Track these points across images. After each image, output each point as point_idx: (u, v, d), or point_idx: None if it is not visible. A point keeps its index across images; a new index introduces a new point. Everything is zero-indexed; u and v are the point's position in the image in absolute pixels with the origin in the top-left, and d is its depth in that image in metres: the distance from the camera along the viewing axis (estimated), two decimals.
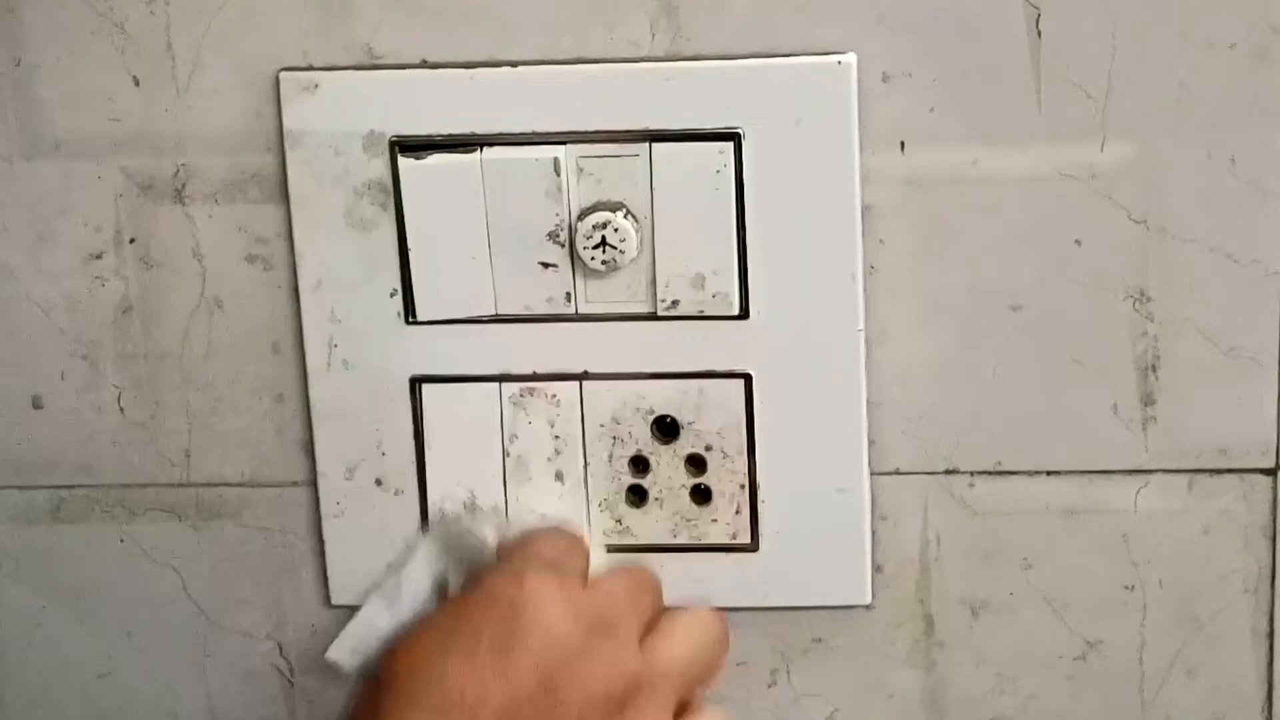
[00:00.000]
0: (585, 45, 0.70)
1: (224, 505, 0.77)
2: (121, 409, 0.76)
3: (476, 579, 0.69)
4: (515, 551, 0.70)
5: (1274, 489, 0.72)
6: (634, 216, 0.70)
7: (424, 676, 0.65)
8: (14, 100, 0.73)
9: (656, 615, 0.70)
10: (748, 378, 0.72)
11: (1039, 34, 0.68)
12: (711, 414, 0.73)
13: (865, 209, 0.70)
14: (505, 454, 0.74)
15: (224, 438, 0.76)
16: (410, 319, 0.73)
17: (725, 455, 0.73)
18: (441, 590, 0.72)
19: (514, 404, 0.74)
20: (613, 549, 0.75)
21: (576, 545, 0.72)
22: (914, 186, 0.70)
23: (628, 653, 0.67)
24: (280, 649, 0.79)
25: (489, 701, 0.64)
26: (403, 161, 0.71)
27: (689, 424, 0.73)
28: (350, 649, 0.72)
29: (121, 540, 0.78)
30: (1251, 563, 0.73)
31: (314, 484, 0.76)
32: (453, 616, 0.67)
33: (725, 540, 0.74)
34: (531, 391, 0.73)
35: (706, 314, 0.71)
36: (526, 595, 0.66)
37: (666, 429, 0.73)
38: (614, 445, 0.74)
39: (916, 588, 0.75)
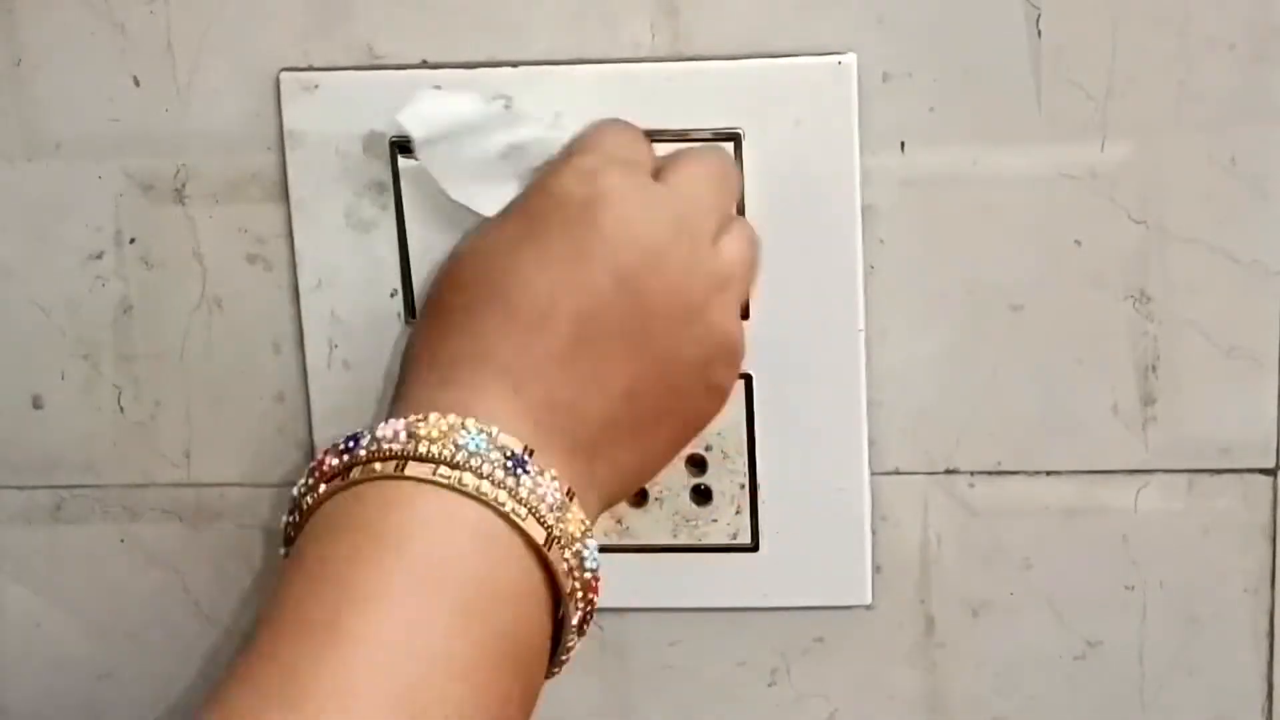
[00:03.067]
0: (585, 45, 0.70)
1: (224, 505, 0.77)
2: (121, 409, 0.76)
3: (542, 178, 0.65)
4: (580, 146, 0.66)
5: (1274, 489, 0.72)
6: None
7: (494, 278, 0.62)
8: (14, 100, 0.73)
9: (733, 204, 0.67)
10: (748, 378, 0.72)
11: (1039, 34, 0.68)
12: None
13: (865, 209, 0.70)
14: None
15: (224, 438, 0.76)
16: (410, 319, 0.73)
17: (725, 455, 0.73)
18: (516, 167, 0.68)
19: None
20: (613, 549, 0.75)
21: (642, 137, 0.68)
22: (914, 186, 0.70)
23: (705, 252, 0.64)
24: None
25: (564, 305, 0.62)
26: (403, 161, 0.71)
27: None
28: (424, 118, 0.68)
29: (121, 540, 0.78)
30: (1251, 563, 0.73)
31: None
32: (523, 217, 0.64)
33: (725, 540, 0.74)
34: None
35: None
36: (600, 194, 0.63)
37: None
38: None
39: (916, 588, 0.75)
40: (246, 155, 0.72)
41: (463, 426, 0.60)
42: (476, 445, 0.59)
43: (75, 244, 0.74)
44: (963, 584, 0.75)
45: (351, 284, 0.73)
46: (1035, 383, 0.72)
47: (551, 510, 0.60)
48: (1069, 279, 0.71)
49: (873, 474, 0.73)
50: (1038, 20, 0.68)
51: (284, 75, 0.71)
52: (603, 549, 0.75)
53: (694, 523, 0.74)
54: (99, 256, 0.74)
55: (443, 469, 0.59)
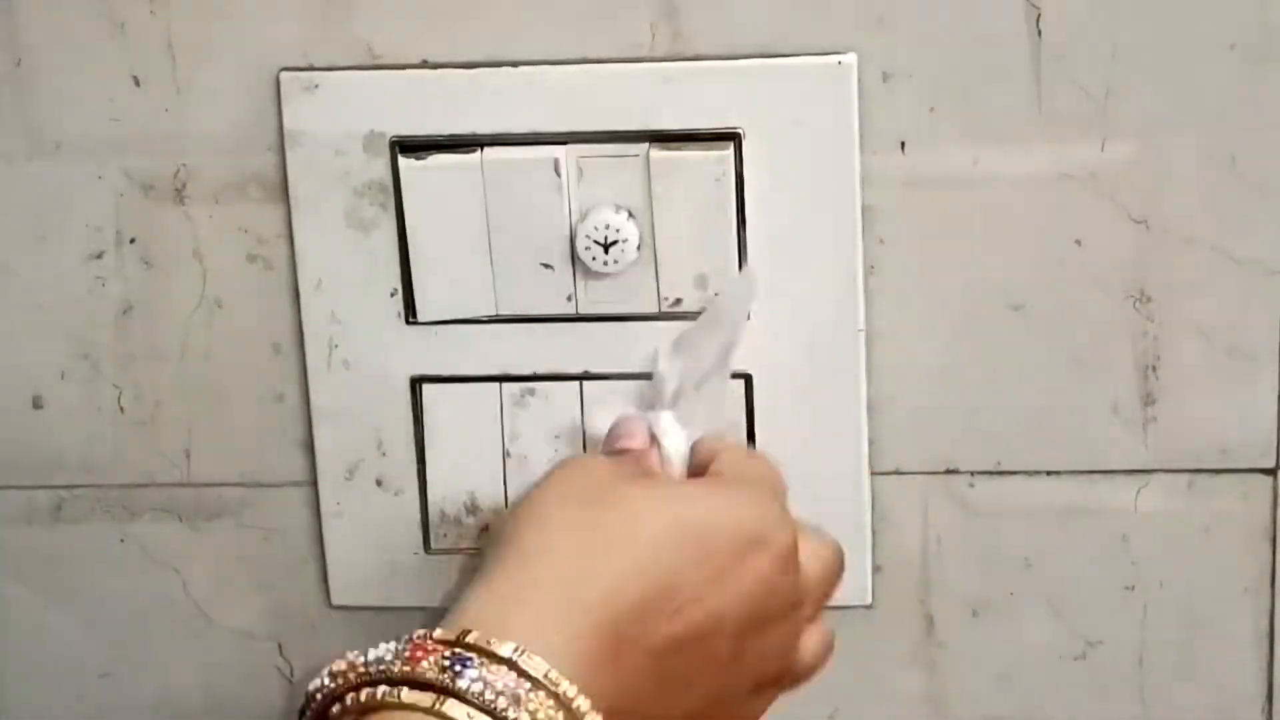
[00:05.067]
0: (585, 45, 0.70)
1: (224, 505, 0.77)
2: (121, 409, 0.76)
3: (751, 509, 0.63)
4: (766, 485, 0.65)
5: (1274, 489, 0.72)
6: (634, 217, 0.70)
7: (646, 565, 0.60)
8: (14, 100, 0.73)
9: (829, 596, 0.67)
10: (748, 378, 0.72)
11: (1039, 34, 0.68)
12: None
13: (865, 209, 0.70)
14: (505, 454, 0.74)
15: (224, 438, 0.76)
16: (410, 319, 0.73)
17: None
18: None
19: (514, 404, 0.74)
20: None
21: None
22: (914, 186, 0.70)
23: (799, 628, 0.65)
24: (280, 649, 0.79)
25: (665, 626, 0.59)
26: (403, 162, 0.71)
27: None
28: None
29: (122, 540, 0.78)
30: (1251, 563, 0.73)
31: (314, 484, 0.76)
32: (698, 532, 0.61)
33: None
34: (532, 391, 0.73)
35: None
36: (795, 572, 0.63)
37: None
38: None
39: (916, 588, 0.75)
40: (246, 155, 0.72)
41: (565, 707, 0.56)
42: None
43: (75, 244, 0.74)
44: (963, 584, 0.75)
45: (351, 284, 0.73)
46: (1035, 383, 0.72)
47: None
48: (1069, 279, 0.71)
49: (873, 474, 0.73)
50: (1038, 20, 0.68)
51: (284, 75, 0.71)
52: None
53: None
54: (99, 256, 0.74)
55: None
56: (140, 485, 0.77)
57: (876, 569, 0.75)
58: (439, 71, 0.71)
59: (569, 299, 0.72)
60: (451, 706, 0.55)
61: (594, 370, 0.73)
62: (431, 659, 0.56)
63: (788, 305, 0.71)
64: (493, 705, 0.55)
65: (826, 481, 0.73)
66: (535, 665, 0.56)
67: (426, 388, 0.74)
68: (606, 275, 0.71)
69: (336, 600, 0.77)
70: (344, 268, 0.73)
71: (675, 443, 0.67)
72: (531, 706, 0.55)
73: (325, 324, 0.74)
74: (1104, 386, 0.72)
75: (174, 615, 0.79)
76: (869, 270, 0.71)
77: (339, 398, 0.74)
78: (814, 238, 0.71)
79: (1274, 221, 0.69)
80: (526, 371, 0.73)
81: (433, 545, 0.76)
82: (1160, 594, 0.74)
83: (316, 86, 0.71)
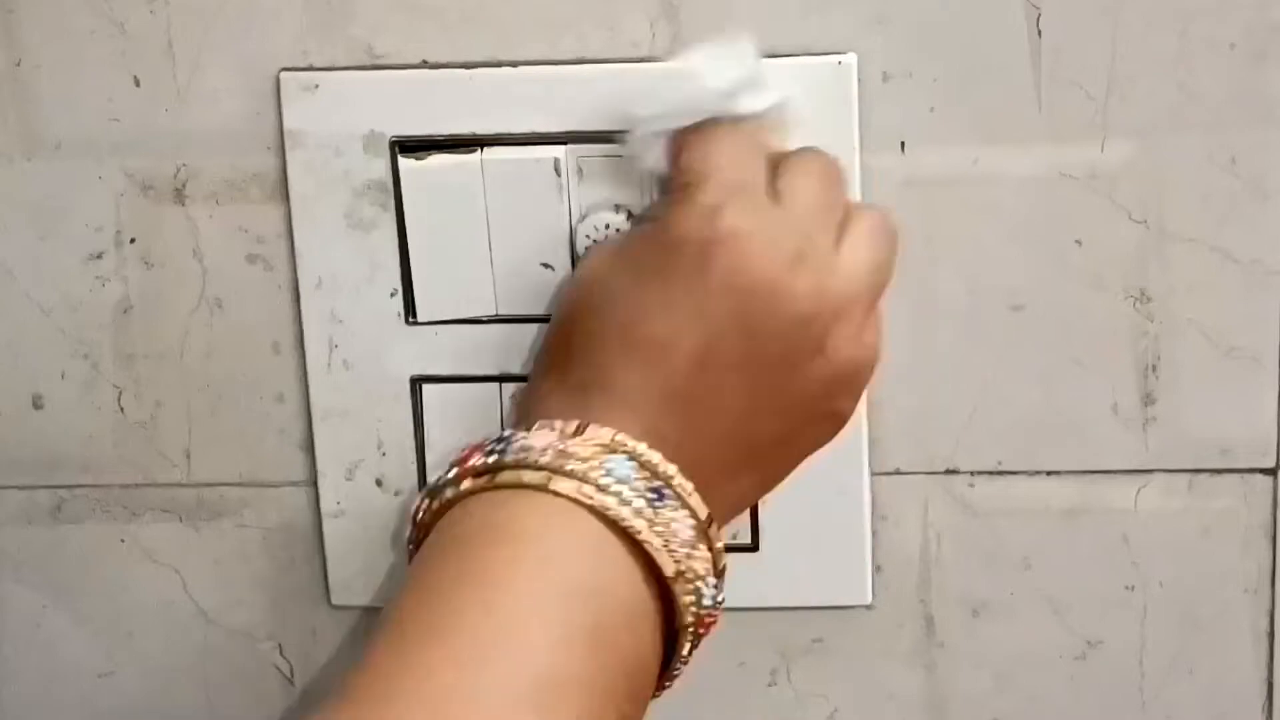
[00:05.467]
0: (585, 45, 0.70)
1: (224, 505, 0.77)
2: (121, 409, 0.76)
3: (665, 214, 0.65)
4: (695, 174, 0.65)
5: (1274, 489, 0.72)
6: (634, 217, 0.70)
7: (617, 311, 0.63)
8: (14, 100, 0.73)
9: (842, 208, 0.66)
10: None
11: (1039, 34, 0.68)
12: None
13: None
14: None
15: (224, 438, 0.76)
16: (410, 319, 0.73)
17: None
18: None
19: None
20: None
21: (756, 147, 0.66)
22: (914, 186, 0.70)
23: (825, 278, 0.64)
24: (280, 649, 0.79)
25: (681, 344, 0.62)
26: (403, 161, 0.71)
27: None
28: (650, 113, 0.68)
29: (122, 540, 0.78)
30: (1251, 563, 0.73)
31: (314, 484, 0.76)
32: (647, 251, 0.64)
33: (725, 540, 0.74)
34: None
35: None
36: (719, 238, 0.62)
37: None
38: None
39: (916, 588, 0.75)
40: (246, 155, 0.72)
41: (612, 451, 0.61)
42: (624, 473, 0.60)
43: (75, 244, 0.74)
44: (963, 584, 0.75)
45: (351, 284, 0.73)
46: (1035, 383, 0.72)
47: (682, 546, 0.61)
48: (1069, 279, 0.71)
49: (873, 474, 0.73)
50: (1038, 20, 0.68)
51: (284, 75, 0.71)
52: None
53: None
54: (99, 256, 0.74)
55: (587, 488, 0.60)
56: (140, 485, 0.77)
57: (876, 569, 0.75)
58: (439, 71, 0.70)
59: None
60: (559, 483, 0.60)
61: None
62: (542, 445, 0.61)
63: None
64: (596, 481, 0.60)
65: (826, 481, 0.73)
66: (637, 449, 0.61)
67: (426, 388, 0.74)
68: None
69: (336, 600, 0.77)
70: (344, 268, 0.73)
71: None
72: (636, 483, 0.60)
73: (325, 324, 0.74)
74: (1104, 386, 0.72)
75: (174, 615, 0.79)
76: None
77: (339, 398, 0.74)
78: None
79: (1274, 221, 0.69)
80: (526, 371, 0.73)
81: None
82: (1160, 594, 0.74)
83: (316, 86, 0.71)
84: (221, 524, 0.77)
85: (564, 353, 0.66)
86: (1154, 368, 0.71)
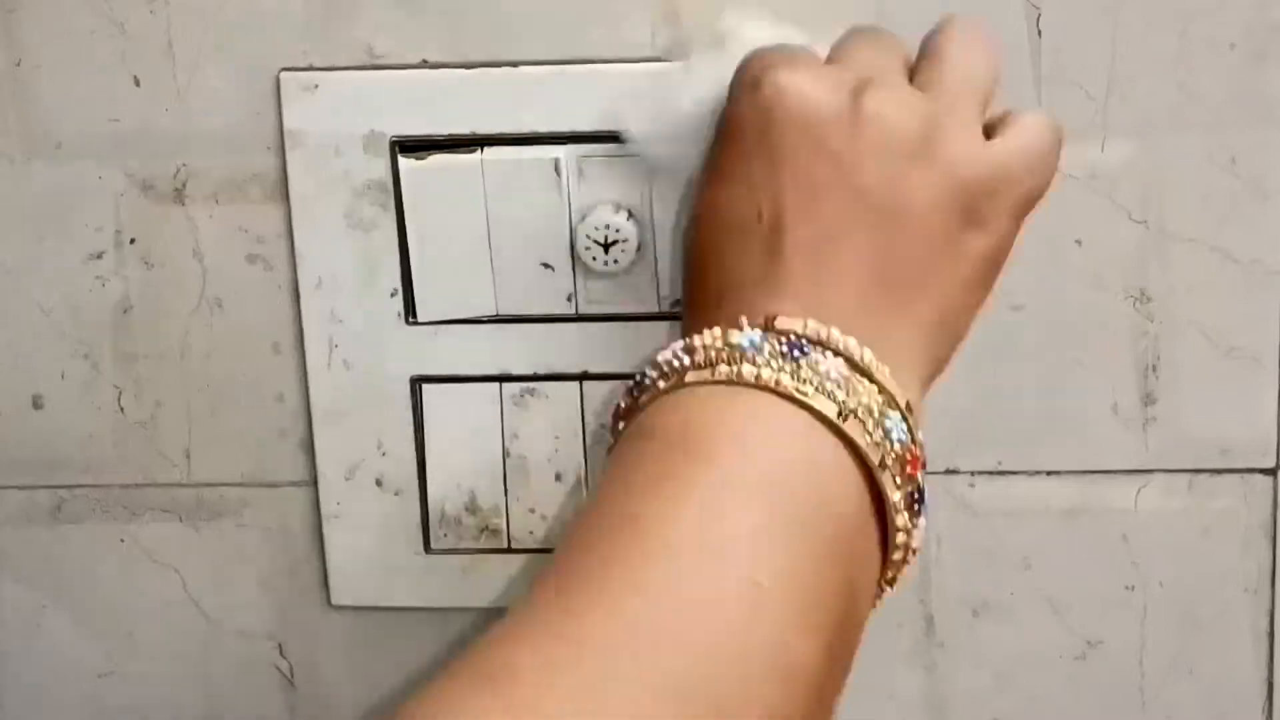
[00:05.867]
0: (585, 45, 0.70)
1: (224, 505, 0.77)
2: (121, 409, 0.76)
3: (726, 107, 0.63)
4: (740, 76, 0.63)
5: (1274, 489, 0.72)
6: (634, 217, 0.70)
7: (720, 213, 0.62)
8: (14, 100, 0.73)
9: (909, 51, 0.64)
10: None
11: (1039, 34, 0.68)
12: None
13: None
14: (505, 454, 0.74)
15: (224, 438, 0.76)
16: (410, 319, 0.73)
17: None
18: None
19: (514, 404, 0.74)
20: None
21: (799, 48, 0.64)
22: None
23: (903, 92, 0.61)
24: (280, 649, 0.79)
25: (783, 216, 0.60)
26: (403, 161, 0.71)
27: None
28: (641, 115, 0.68)
29: (122, 540, 0.78)
30: (1251, 563, 0.73)
31: (314, 484, 0.76)
32: (721, 147, 0.62)
33: None
34: (531, 391, 0.73)
35: None
36: (769, 97, 0.60)
37: None
38: None
39: (916, 588, 0.75)
40: (246, 155, 0.73)
41: (735, 328, 0.59)
42: (751, 340, 0.58)
43: (75, 244, 0.74)
44: (963, 584, 0.75)
45: (351, 284, 0.73)
46: (1035, 383, 0.72)
47: (839, 386, 0.57)
48: (1069, 279, 0.71)
49: None
50: (1038, 20, 0.68)
51: (284, 75, 0.71)
52: None
53: None
54: (99, 256, 0.74)
55: (721, 367, 0.58)
56: (140, 485, 0.77)
57: None
58: (439, 71, 0.71)
59: (569, 299, 0.72)
60: (690, 376, 0.58)
61: (594, 370, 0.73)
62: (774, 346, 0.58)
63: None
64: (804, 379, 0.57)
65: None
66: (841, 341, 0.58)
67: (426, 388, 0.74)
68: (606, 275, 0.71)
69: (336, 600, 0.77)
70: (344, 268, 0.73)
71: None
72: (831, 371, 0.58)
73: (325, 324, 0.74)
74: (1104, 386, 0.72)
75: (174, 615, 0.79)
76: None
77: (339, 398, 0.74)
78: None
79: (1274, 221, 0.69)
80: (526, 371, 0.73)
81: (433, 545, 0.76)
82: (1160, 594, 0.74)
83: (316, 86, 0.71)
84: (221, 524, 0.77)
85: (691, 274, 0.63)
86: (1154, 368, 0.71)
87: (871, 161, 0.60)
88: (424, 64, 0.71)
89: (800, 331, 0.58)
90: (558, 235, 0.71)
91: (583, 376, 0.73)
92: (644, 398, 0.59)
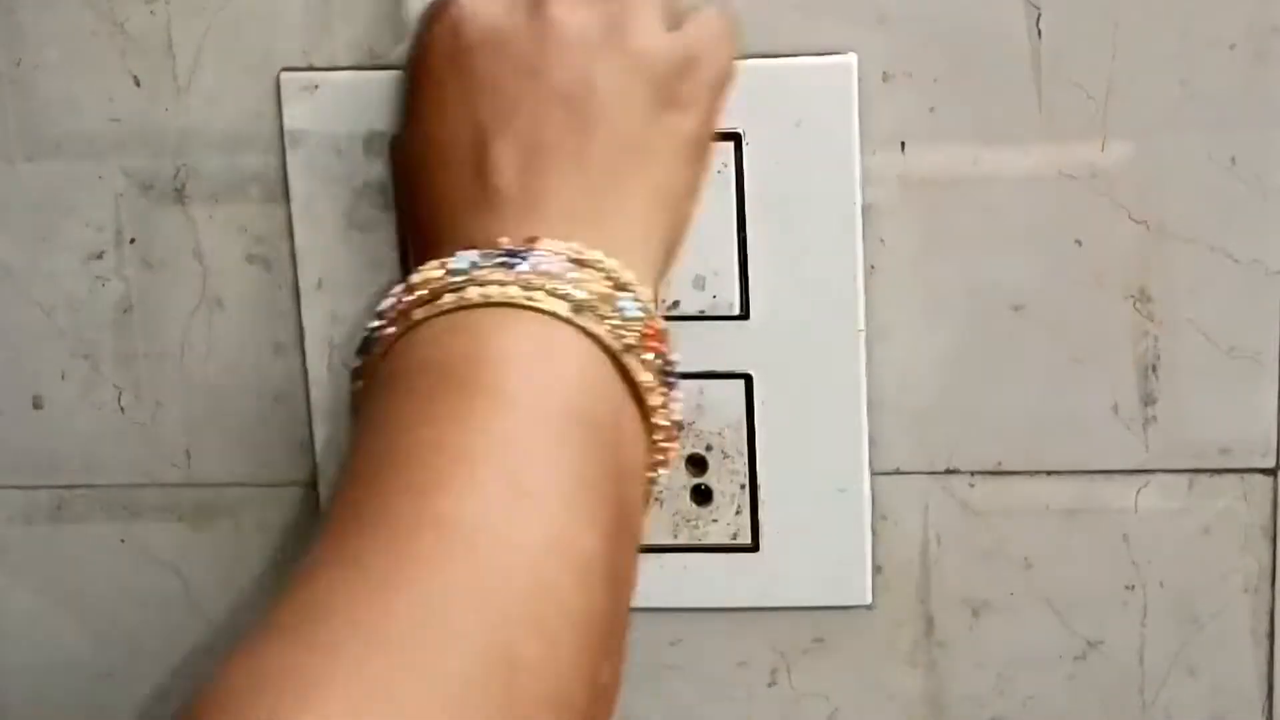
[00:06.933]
0: None
1: (224, 505, 0.77)
2: (121, 409, 0.76)
3: (414, 45, 0.66)
4: (428, 3, 0.66)
5: (1274, 489, 0.72)
6: None
7: (418, 147, 0.64)
8: (14, 100, 0.73)
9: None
10: (748, 378, 0.72)
11: (1039, 34, 0.68)
12: (711, 414, 0.73)
13: (865, 209, 0.70)
14: None
15: (224, 438, 0.76)
16: None
17: (725, 455, 0.73)
18: None
19: None
20: None
21: None
22: (914, 186, 0.70)
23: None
24: None
25: (485, 136, 0.62)
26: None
27: (689, 424, 0.73)
28: None
29: (122, 540, 0.78)
30: (1251, 563, 0.73)
31: (314, 484, 0.76)
32: (412, 86, 0.65)
33: (725, 540, 0.74)
34: None
35: (707, 314, 0.71)
36: (454, 21, 0.63)
37: None
38: None
39: (916, 588, 0.75)
40: (246, 155, 0.72)
41: (452, 255, 0.60)
42: (471, 261, 0.59)
43: (75, 244, 0.74)
44: (963, 584, 0.75)
45: (351, 284, 0.73)
46: (1035, 383, 0.72)
47: (566, 283, 0.59)
48: (1069, 279, 0.71)
49: (873, 474, 0.73)
50: (1038, 20, 0.68)
51: (284, 75, 0.71)
52: None
53: (694, 523, 0.74)
54: (99, 256, 0.74)
55: (447, 297, 0.59)
56: (140, 485, 0.77)
57: (876, 569, 0.75)
58: None
59: None
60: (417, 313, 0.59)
61: None
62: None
63: (788, 305, 0.71)
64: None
65: (826, 481, 0.73)
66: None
67: None
68: None
69: None
70: (344, 268, 0.73)
71: None
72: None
73: (325, 324, 0.74)
74: (1104, 386, 0.72)
75: (174, 615, 0.78)
76: (869, 270, 0.71)
77: (339, 398, 0.74)
78: (814, 237, 0.71)
79: (1274, 221, 0.69)
80: None
81: None
82: (1160, 594, 0.74)
83: (316, 86, 0.71)
84: (221, 524, 0.77)
85: (411, 211, 0.65)
86: (1154, 368, 0.71)
87: (560, 63, 0.61)
88: None
89: (511, 244, 0.59)
90: None
91: None
92: (377, 349, 0.60)
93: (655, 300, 0.62)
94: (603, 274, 0.60)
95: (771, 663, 0.77)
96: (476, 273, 0.59)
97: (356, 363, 0.62)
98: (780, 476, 0.73)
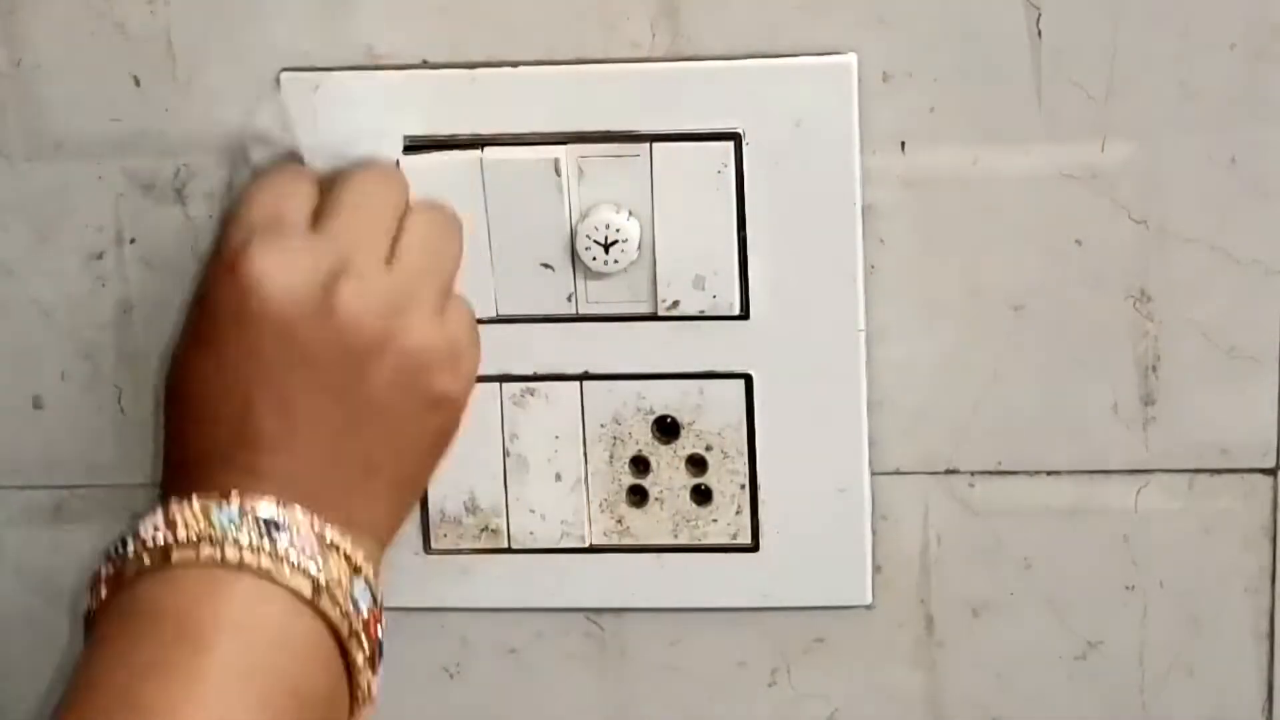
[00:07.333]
0: (585, 45, 0.70)
1: None
2: (122, 409, 0.76)
3: (205, 276, 0.68)
4: (234, 217, 0.68)
5: (1274, 489, 0.72)
6: (635, 217, 0.70)
7: (189, 391, 0.66)
8: (14, 100, 0.73)
9: (396, 220, 0.68)
10: (748, 378, 0.72)
11: (1039, 34, 0.68)
12: (712, 414, 0.73)
13: (865, 209, 0.70)
14: (505, 454, 0.74)
15: None
16: None
17: (725, 455, 0.73)
18: None
19: (514, 404, 0.74)
20: (613, 549, 0.75)
21: (298, 183, 0.69)
22: (914, 186, 0.70)
23: (371, 281, 0.66)
24: None
25: (253, 400, 0.65)
26: (403, 161, 0.71)
27: (689, 424, 0.73)
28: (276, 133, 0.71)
29: None
30: (1251, 563, 0.73)
31: None
32: (199, 322, 0.67)
33: (725, 540, 0.74)
34: (532, 391, 0.73)
35: (707, 314, 0.71)
36: (245, 284, 0.65)
37: (667, 429, 0.73)
38: (614, 445, 0.74)
39: (916, 588, 0.75)
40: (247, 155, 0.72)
41: (213, 500, 0.63)
42: (231, 518, 0.63)
43: (75, 244, 0.74)
44: (963, 584, 0.75)
45: None
46: (1035, 383, 0.72)
47: (311, 560, 0.63)
48: (1069, 279, 0.71)
49: (873, 474, 0.73)
50: (1038, 20, 0.68)
51: (284, 75, 0.71)
52: (602, 549, 0.75)
53: (694, 523, 0.74)
54: (99, 256, 0.74)
55: (205, 548, 0.62)
56: (140, 485, 0.77)
57: (876, 569, 0.75)
58: (439, 71, 0.70)
59: (569, 299, 0.72)
60: (177, 554, 0.63)
61: (594, 370, 0.73)
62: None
63: (788, 305, 0.71)
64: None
65: (826, 481, 0.73)
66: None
67: None
68: (606, 275, 0.71)
69: None
70: None
71: None
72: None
73: None
74: (1104, 386, 0.72)
75: None
76: (869, 270, 0.71)
77: None
78: (814, 238, 0.71)
79: (1274, 221, 0.69)
80: (526, 371, 0.73)
81: (433, 545, 0.76)
82: (1160, 594, 0.74)
83: (316, 87, 0.71)
84: None
85: (170, 442, 0.68)
86: (1154, 368, 0.71)
87: (336, 357, 0.65)
88: (424, 64, 0.71)
89: (272, 513, 0.63)
90: (558, 235, 0.71)
91: (583, 377, 0.73)
92: (129, 570, 0.63)
93: (380, 579, 0.66)
94: (344, 557, 0.64)
95: (771, 663, 0.77)
96: (236, 533, 0.62)
97: (104, 569, 0.65)
98: (780, 476, 0.73)
